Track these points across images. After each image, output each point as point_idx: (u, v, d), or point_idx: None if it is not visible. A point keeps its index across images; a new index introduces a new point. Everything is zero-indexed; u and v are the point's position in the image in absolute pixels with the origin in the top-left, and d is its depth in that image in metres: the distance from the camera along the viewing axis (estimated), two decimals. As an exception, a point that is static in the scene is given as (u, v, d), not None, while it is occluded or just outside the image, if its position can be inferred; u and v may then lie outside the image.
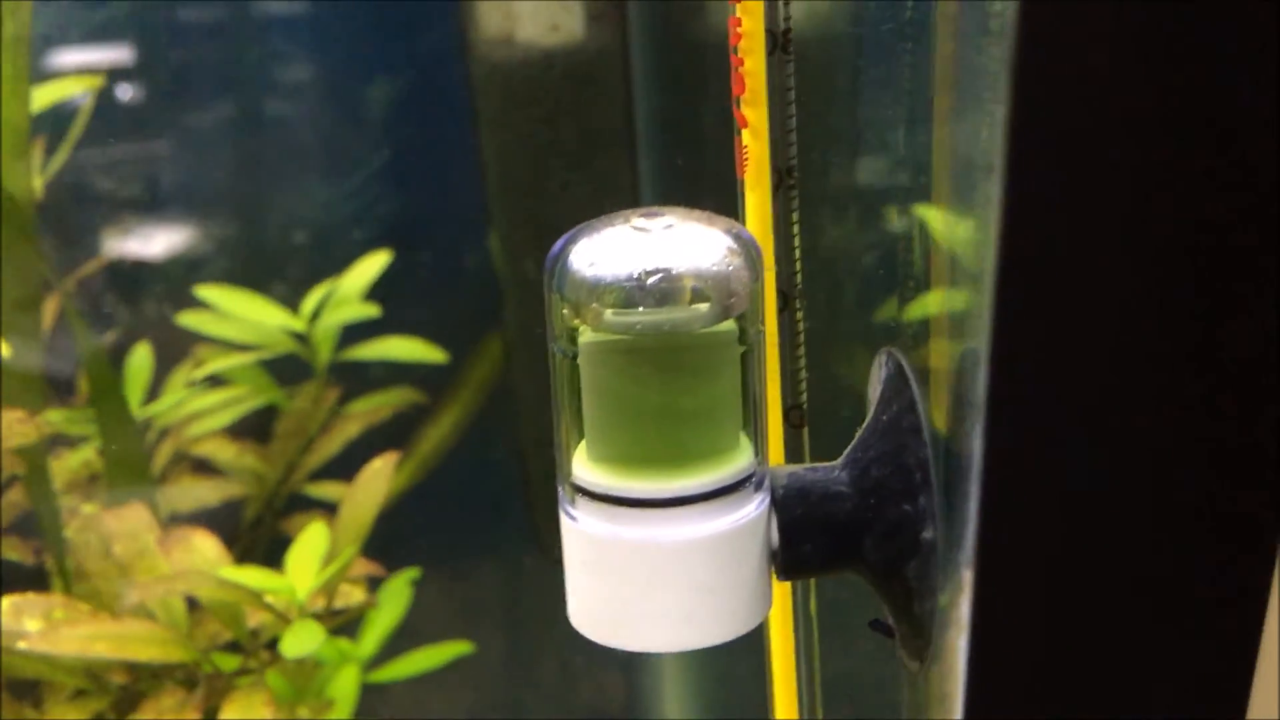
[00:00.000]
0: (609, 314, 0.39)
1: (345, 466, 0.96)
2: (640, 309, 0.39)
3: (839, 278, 0.54)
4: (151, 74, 1.01)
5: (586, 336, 0.40)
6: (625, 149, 0.92)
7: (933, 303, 0.46)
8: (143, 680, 0.80)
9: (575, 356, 0.41)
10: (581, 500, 0.41)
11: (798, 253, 0.47)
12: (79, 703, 0.79)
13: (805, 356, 0.48)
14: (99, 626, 0.71)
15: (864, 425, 0.43)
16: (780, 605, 0.51)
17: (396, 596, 0.92)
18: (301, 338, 1.00)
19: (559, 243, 0.40)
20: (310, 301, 1.00)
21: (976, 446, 0.30)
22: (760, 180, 0.45)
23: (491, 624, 1.12)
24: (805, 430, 0.49)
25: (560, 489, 0.42)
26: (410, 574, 0.93)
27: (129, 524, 0.78)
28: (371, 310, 0.99)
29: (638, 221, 0.40)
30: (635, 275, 0.38)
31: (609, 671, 1.19)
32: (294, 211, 1.07)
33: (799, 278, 0.47)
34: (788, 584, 0.51)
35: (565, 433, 0.42)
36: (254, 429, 1.03)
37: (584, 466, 0.41)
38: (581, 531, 0.41)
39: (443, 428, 1.04)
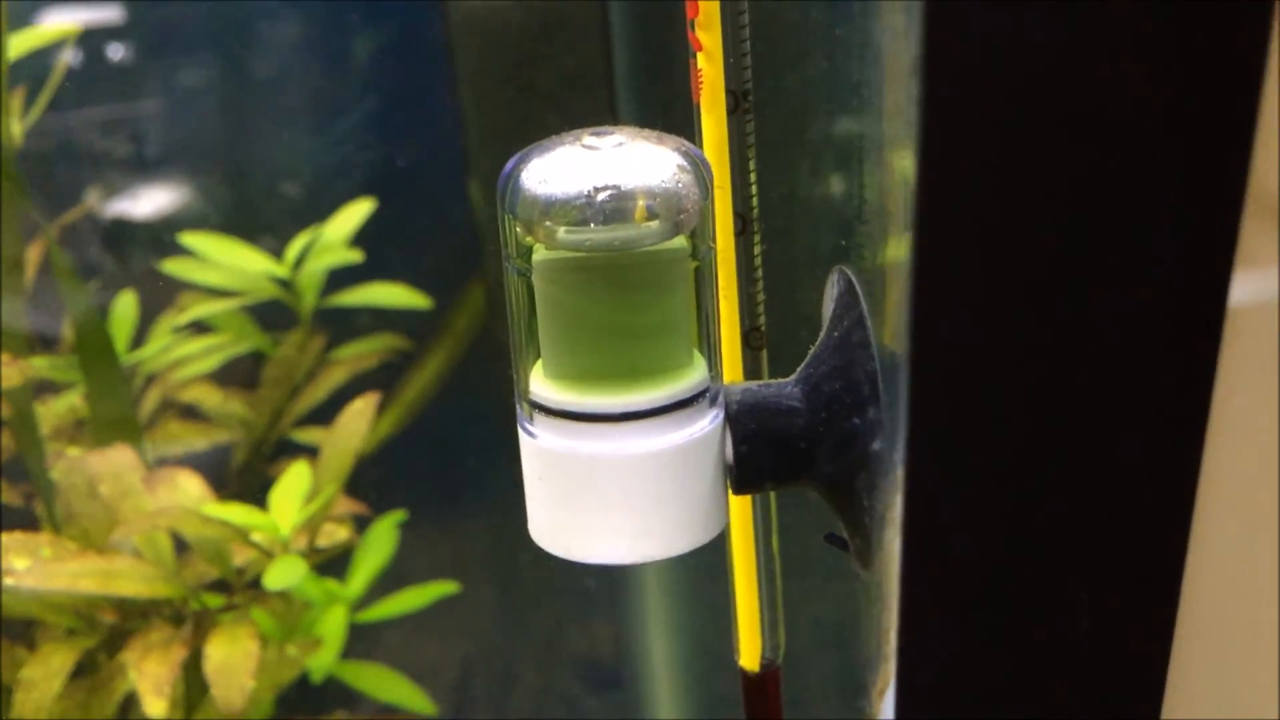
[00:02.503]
0: (561, 232, 0.40)
1: (332, 413, 0.97)
2: (591, 226, 0.39)
3: (798, 203, 0.54)
4: (133, 27, 1.01)
5: (540, 254, 0.41)
6: (604, 91, 0.93)
7: (887, 230, 0.47)
8: (131, 619, 0.81)
9: (530, 275, 0.41)
10: (538, 416, 0.42)
11: (754, 175, 0.47)
12: (70, 642, 0.81)
13: (764, 279, 0.49)
14: (85, 563, 0.73)
15: (817, 342, 0.44)
16: (741, 535, 0.52)
17: (383, 539, 0.93)
18: (286, 284, 1.01)
19: (510, 162, 0.41)
20: (294, 248, 1.01)
21: (905, 339, 0.31)
22: (715, 103, 0.46)
23: (479, 570, 1.13)
24: (764, 353, 0.49)
25: (518, 407, 0.43)
26: (396, 516, 0.94)
27: (114, 465, 0.79)
28: (355, 256, 1.00)
29: (588, 140, 0.40)
30: (585, 192, 0.39)
31: (598, 621, 1.21)
32: (276, 163, 1.07)
33: (755, 200, 0.48)
34: (750, 519, 0.52)
35: (522, 351, 0.43)
36: (241, 377, 1.03)
37: (540, 384, 0.42)
38: (539, 447, 0.42)
39: (427, 373, 1.05)
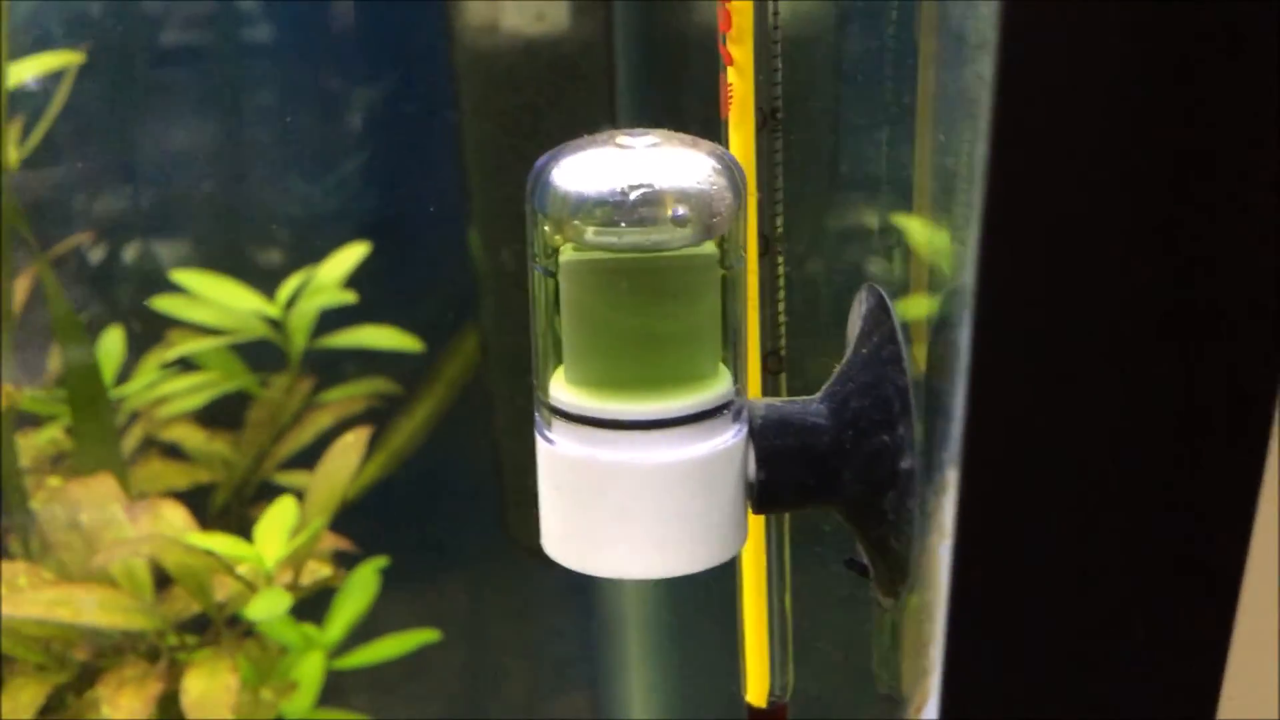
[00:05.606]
0: (590, 231, 0.39)
1: (316, 456, 0.95)
2: (621, 225, 0.39)
3: (823, 226, 0.54)
4: (131, 64, 1.01)
5: (567, 255, 0.40)
6: (607, 138, 0.92)
7: (910, 257, 0.47)
8: (104, 657, 0.79)
9: (555, 276, 0.40)
10: (558, 422, 0.41)
11: (780, 194, 0.46)
12: (40, 677, 0.78)
13: (785, 301, 0.48)
14: (61, 592, 0.70)
15: (844, 359, 0.43)
16: (754, 563, 0.50)
17: (364, 585, 0.91)
18: (276, 324, 0.99)
19: (542, 159, 0.40)
20: (286, 289, 0.99)
21: (964, 336, 0.30)
22: (744, 119, 0.45)
23: (454, 628, 1.11)
24: (783, 376, 0.48)
25: (536, 414, 0.42)
26: (378, 562, 0.92)
27: (96, 493, 0.77)
28: (348, 297, 0.99)
29: (622, 139, 0.40)
30: (618, 191, 0.38)
31: (575, 689, 1.18)
32: (274, 207, 1.06)
33: (780, 220, 0.47)
34: (763, 548, 0.51)
35: (543, 355, 0.42)
36: (226, 417, 1.02)
37: (561, 389, 0.41)
38: (556, 454, 0.41)
39: (416, 420, 1.04)
